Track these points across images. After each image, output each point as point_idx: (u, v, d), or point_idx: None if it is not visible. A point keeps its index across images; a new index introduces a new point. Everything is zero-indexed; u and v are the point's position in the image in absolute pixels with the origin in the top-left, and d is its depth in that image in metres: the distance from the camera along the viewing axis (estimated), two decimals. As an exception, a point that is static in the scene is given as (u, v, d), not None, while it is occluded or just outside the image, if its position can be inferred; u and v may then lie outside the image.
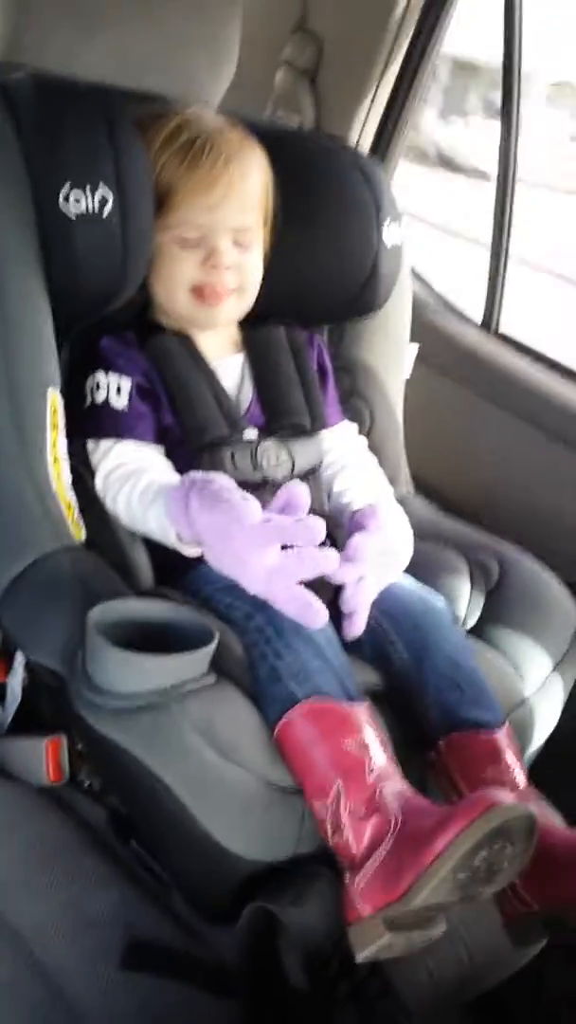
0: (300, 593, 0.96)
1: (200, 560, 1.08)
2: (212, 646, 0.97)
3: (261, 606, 1.02)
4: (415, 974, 0.95)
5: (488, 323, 1.78)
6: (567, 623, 1.27)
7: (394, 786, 0.95)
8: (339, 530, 1.18)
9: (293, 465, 1.20)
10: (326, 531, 1.18)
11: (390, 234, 1.30)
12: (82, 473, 1.12)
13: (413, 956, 0.93)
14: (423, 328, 1.54)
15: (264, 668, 0.99)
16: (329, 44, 1.67)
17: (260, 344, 1.25)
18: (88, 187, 1.05)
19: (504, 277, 1.74)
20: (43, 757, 1.07)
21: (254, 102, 1.71)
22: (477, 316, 1.82)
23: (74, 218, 1.05)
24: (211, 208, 1.12)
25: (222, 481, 1.01)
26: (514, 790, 1.01)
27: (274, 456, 1.19)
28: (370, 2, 1.62)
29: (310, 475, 1.22)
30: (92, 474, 1.12)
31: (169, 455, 1.15)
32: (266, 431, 1.20)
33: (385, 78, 1.65)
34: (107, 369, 1.14)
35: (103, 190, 1.05)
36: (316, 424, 1.24)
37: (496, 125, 1.71)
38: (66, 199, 1.05)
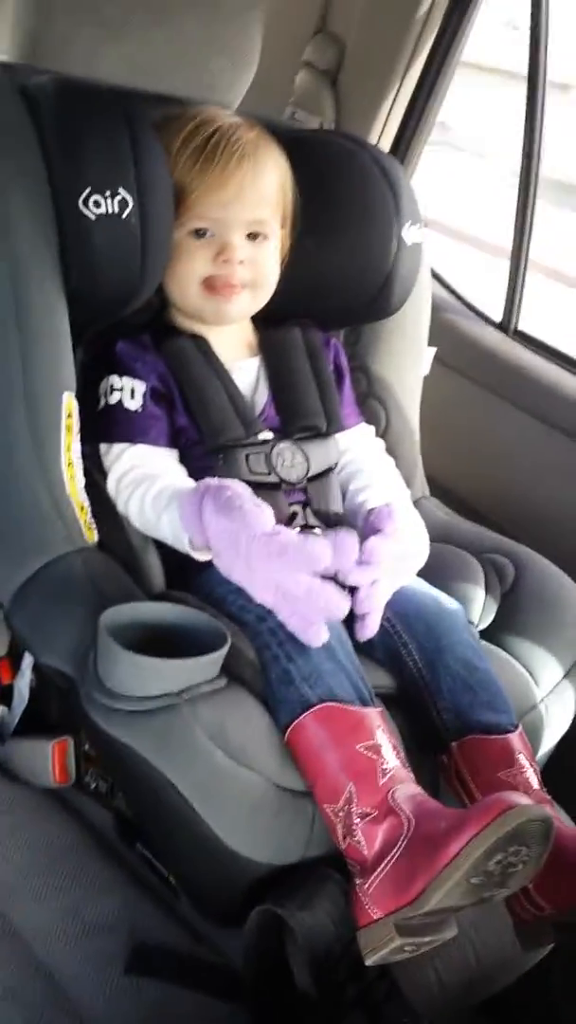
0: (304, 611, 0.97)
1: (212, 563, 1.08)
2: (224, 649, 0.98)
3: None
4: (423, 977, 0.95)
5: (507, 323, 1.77)
6: (582, 626, 1.26)
7: (407, 789, 0.95)
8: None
9: (308, 467, 1.20)
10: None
11: (409, 235, 1.29)
12: (95, 476, 1.12)
13: (421, 959, 0.93)
14: (440, 328, 1.53)
15: (276, 671, 1.00)
16: (351, 45, 1.67)
17: (276, 346, 1.25)
18: (108, 191, 1.05)
19: (524, 277, 1.73)
20: (49, 759, 1.07)
21: (274, 103, 1.71)
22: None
23: (94, 221, 1.06)
24: (224, 204, 1.13)
25: (236, 488, 1.02)
26: (527, 793, 1.01)
27: (289, 458, 1.19)
28: (393, 3, 1.62)
29: (325, 476, 1.23)
30: (105, 477, 1.13)
31: (182, 456, 1.16)
32: (281, 433, 1.20)
33: (407, 79, 1.65)
34: (121, 372, 1.14)
35: (123, 194, 1.06)
36: (332, 426, 1.24)
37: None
38: (86, 202, 1.05)
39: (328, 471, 1.23)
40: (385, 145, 1.70)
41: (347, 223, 1.26)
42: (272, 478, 1.17)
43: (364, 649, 1.08)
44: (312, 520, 1.19)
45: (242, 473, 1.15)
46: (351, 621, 1.07)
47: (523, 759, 1.05)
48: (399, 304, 1.35)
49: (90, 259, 1.07)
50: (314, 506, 1.20)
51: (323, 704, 0.97)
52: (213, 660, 0.97)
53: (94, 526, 1.11)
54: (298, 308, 1.26)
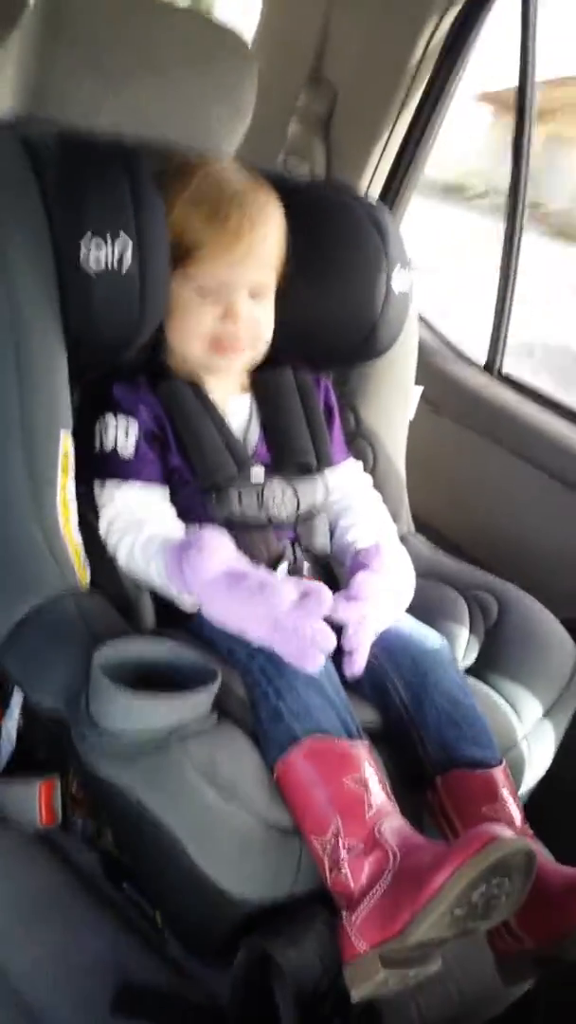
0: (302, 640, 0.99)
1: None
2: (215, 687, 0.99)
3: (263, 646, 1.03)
4: (406, 1012, 0.96)
5: (491, 365, 1.81)
6: (565, 663, 1.28)
7: (393, 823, 0.96)
8: (342, 568, 1.20)
9: (298, 504, 1.22)
10: (329, 570, 1.21)
11: (398, 281, 1.32)
12: (88, 515, 1.13)
13: (404, 994, 0.94)
14: (427, 370, 1.56)
15: (266, 708, 1.01)
16: (343, 93, 1.70)
17: (268, 386, 1.28)
18: (108, 240, 1.07)
19: (508, 320, 1.77)
20: (36, 799, 1.06)
21: (267, 149, 1.73)
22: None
23: (93, 270, 1.07)
24: (232, 264, 1.15)
25: (212, 543, 1.05)
26: (511, 828, 1.01)
27: (280, 495, 1.21)
28: (386, 51, 1.65)
29: (314, 514, 1.25)
30: (97, 516, 1.14)
31: (174, 494, 1.17)
32: (272, 470, 1.22)
33: (397, 126, 1.69)
34: (116, 413, 1.16)
35: (122, 243, 1.07)
36: (322, 463, 1.26)
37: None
38: (86, 252, 1.07)
39: (317, 509, 1.25)
40: (375, 191, 1.73)
41: (338, 271, 1.29)
42: (262, 515, 1.19)
43: (351, 684, 1.09)
44: (301, 557, 1.20)
45: (234, 511, 1.17)
46: (339, 657, 1.09)
47: (506, 794, 1.06)
48: (387, 347, 1.37)
49: (90, 312, 1.09)
50: (303, 543, 1.22)
51: (311, 739, 0.98)
52: (204, 697, 0.98)
53: (87, 565, 1.12)
54: (289, 349, 1.28)
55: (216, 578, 1.03)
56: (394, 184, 1.73)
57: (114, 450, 1.15)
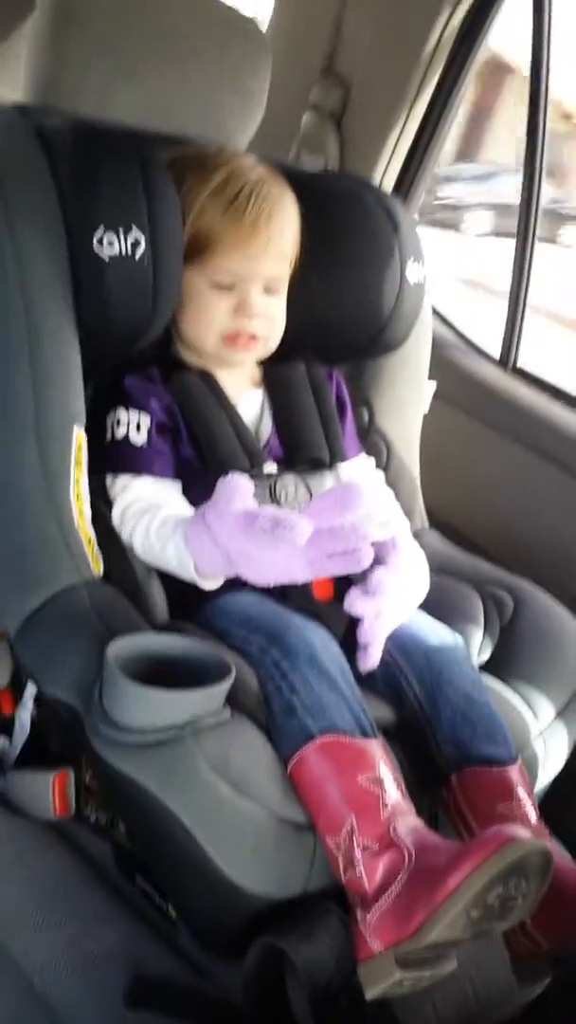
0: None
1: (215, 594, 1.09)
2: (229, 681, 0.98)
3: (276, 639, 1.03)
4: (421, 1012, 0.95)
5: (506, 360, 1.80)
6: (580, 658, 1.27)
7: (408, 822, 0.95)
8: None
9: (310, 499, 1.21)
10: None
11: (412, 273, 1.32)
12: (100, 507, 1.13)
13: (420, 993, 0.93)
14: (441, 364, 1.55)
15: (279, 703, 1.00)
16: (357, 86, 1.69)
17: (280, 380, 1.27)
18: (122, 230, 1.07)
19: (523, 314, 1.76)
20: (50, 790, 1.06)
21: (280, 142, 1.73)
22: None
23: (107, 261, 1.07)
24: (248, 259, 1.15)
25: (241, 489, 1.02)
26: (526, 826, 1.01)
27: (292, 490, 1.21)
28: (400, 43, 1.65)
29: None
30: (110, 508, 1.14)
31: (186, 489, 1.17)
32: (284, 465, 1.22)
33: (410, 119, 1.68)
34: (128, 406, 1.16)
35: (136, 233, 1.07)
36: (334, 458, 1.26)
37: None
38: (100, 242, 1.07)
39: None
40: (388, 184, 1.73)
41: (352, 263, 1.29)
42: None
43: (365, 681, 1.08)
44: None
45: None
46: (353, 652, 1.09)
47: (521, 792, 1.06)
48: (401, 340, 1.37)
49: (103, 299, 1.09)
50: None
51: (325, 736, 0.97)
52: (218, 692, 0.98)
53: (100, 558, 1.11)
54: (302, 342, 1.27)
55: (242, 516, 1.00)
56: (407, 176, 1.72)
57: (127, 444, 1.15)
